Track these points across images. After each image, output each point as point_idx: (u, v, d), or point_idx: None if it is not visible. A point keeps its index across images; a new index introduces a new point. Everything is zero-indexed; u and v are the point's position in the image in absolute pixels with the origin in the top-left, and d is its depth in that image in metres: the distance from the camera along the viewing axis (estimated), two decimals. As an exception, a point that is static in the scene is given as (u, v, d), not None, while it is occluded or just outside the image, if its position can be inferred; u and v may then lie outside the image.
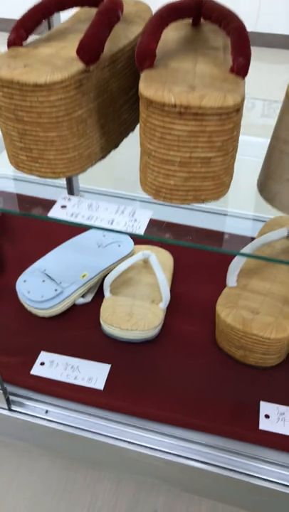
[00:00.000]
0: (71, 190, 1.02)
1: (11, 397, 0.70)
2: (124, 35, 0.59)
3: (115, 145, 0.63)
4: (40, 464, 0.83)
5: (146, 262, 0.87)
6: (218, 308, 0.71)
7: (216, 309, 0.71)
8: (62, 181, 1.01)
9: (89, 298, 0.84)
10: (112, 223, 0.52)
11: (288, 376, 0.72)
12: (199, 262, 0.92)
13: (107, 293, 0.80)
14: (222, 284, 0.78)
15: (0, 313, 0.82)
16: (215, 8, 0.56)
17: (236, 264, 0.74)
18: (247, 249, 0.71)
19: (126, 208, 0.54)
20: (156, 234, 0.56)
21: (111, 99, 0.58)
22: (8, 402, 0.69)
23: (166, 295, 0.79)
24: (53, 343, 0.77)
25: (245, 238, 0.72)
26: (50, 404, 0.70)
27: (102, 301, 0.81)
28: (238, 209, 0.71)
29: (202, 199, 0.52)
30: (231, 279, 0.74)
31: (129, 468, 0.73)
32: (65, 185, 1.02)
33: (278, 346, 0.68)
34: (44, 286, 0.80)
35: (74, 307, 0.83)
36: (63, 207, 0.55)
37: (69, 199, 0.55)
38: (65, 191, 1.03)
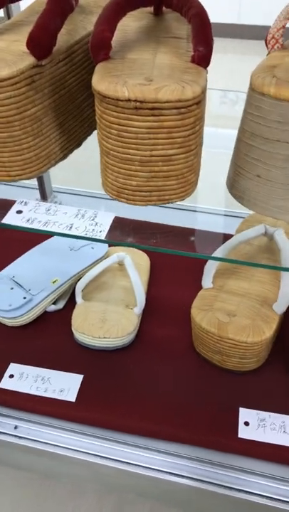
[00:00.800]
0: (43, 191, 0.98)
1: (-23, 413, 0.66)
2: (82, 26, 0.55)
3: (78, 143, 0.59)
4: (13, 482, 0.80)
5: (121, 265, 0.84)
6: (192, 312, 0.67)
7: (191, 313, 0.68)
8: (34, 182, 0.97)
9: (61, 305, 0.80)
10: (70, 229, 0.49)
11: (268, 380, 0.69)
12: (177, 263, 0.89)
13: (78, 299, 0.76)
14: (199, 286, 0.74)
15: None
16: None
17: (211, 265, 0.71)
18: (223, 247, 0.68)
19: (86, 212, 0.51)
20: (120, 238, 0.52)
21: (69, 96, 0.54)
22: (-26, 418, 0.65)
23: (140, 299, 0.75)
24: (23, 353, 0.74)
25: (218, 236, 0.69)
26: (20, 419, 0.67)
27: (73, 308, 0.77)
28: (210, 205, 0.68)
29: (166, 199, 0.48)
30: (207, 280, 0.71)
31: (107, 484, 0.70)
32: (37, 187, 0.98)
33: (256, 350, 0.65)
34: (12, 293, 0.76)
35: (45, 315, 0.79)
36: (19, 212, 0.51)
37: (25, 203, 0.52)
38: (37, 192, 0.99)
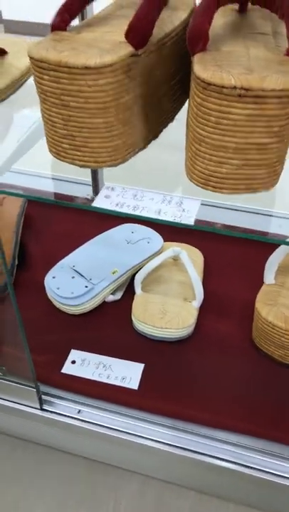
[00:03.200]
0: (96, 187, 1.00)
1: (43, 397, 0.67)
2: (170, 20, 0.57)
3: (155, 135, 0.61)
4: (61, 467, 0.81)
5: (175, 260, 0.85)
6: (258, 306, 0.68)
7: (255, 307, 0.69)
8: (87, 178, 0.99)
9: (119, 295, 0.82)
10: (159, 213, 0.50)
11: None
12: (228, 260, 0.90)
13: (138, 289, 0.78)
14: (253, 282, 0.76)
15: (27, 311, 0.80)
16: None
17: (274, 260, 0.72)
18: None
19: (173, 198, 0.52)
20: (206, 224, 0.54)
21: (155, 87, 0.56)
22: (41, 401, 0.67)
23: (199, 293, 0.77)
24: (83, 340, 0.75)
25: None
26: (83, 403, 0.68)
27: (131, 299, 0.79)
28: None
29: (254, 188, 0.50)
30: (269, 276, 0.72)
31: (157, 470, 0.71)
32: (90, 183, 1.00)
33: None
34: (74, 282, 0.78)
35: (103, 304, 0.80)
36: (107, 196, 0.53)
37: (112, 188, 0.53)
38: (90, 188, 1.01)
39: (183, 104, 0.63)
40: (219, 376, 0.71)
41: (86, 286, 0.77)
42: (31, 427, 0.72)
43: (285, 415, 0.66)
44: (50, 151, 0.55)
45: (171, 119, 0.64)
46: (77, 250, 0.84)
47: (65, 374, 0.70)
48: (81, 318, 0.78)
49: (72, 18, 0.54)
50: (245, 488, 0.68)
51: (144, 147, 0.59)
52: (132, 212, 0.50)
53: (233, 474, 0.64)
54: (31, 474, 0.76)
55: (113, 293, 0.81)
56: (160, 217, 0.50)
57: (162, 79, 0.57)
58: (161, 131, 0.62)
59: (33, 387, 0.65)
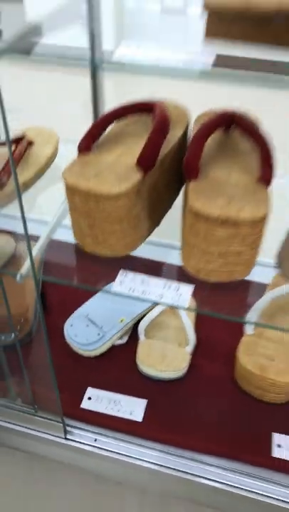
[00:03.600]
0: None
1: (67, 428, 0.83)
2: (168, 140, 0.72)
3: (158, 223, 0.76)
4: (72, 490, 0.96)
5: (172, 307, 1.01)
6: (238, 355, 0.85)
7: (236, 356, 0.85)
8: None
9: (125, 339, 0.98)
10: (162, 297, 0.66)
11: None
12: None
13: (142, 336, 0.94)
14: (238, 327, 0.92)
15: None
16: (244, 120, 0.70)
17: (253, 314, 0.88)
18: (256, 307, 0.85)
19: (172, 284, 0.68)
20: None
21: (158, 195, 0.71)
22: (65, 432, 0.82)
23: (192, 339, 0.93)
24: (97, 379, 0.91)
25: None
26: (98, 433, 0.84)
27: (135, 342, 0.94)
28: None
29: (234, 277, 0.65)
30: (248, 328, 0.88)
31: (156, 485, 0.88)
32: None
33: (289, 387, 0.82)
34: (88, 330, 0.94)
35: (112, 347, 0.96)
36: (122, 282, 0.68)
37: (125, 275, 0.69)
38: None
39: (178, 193, 0.79)
40: (208, 410, 0.87)
41: (98, 334, 0.93)
42: (55, 452, 0.88)
43: (261, 443, 0.82)
44: (76, 238, 0.70)
45: (169, 207, 0.80)
46: (90, 301, 1.00)
47: (84, 409, 0.86)
48: (94, 360, 0.94)
49: (95, 141, 0.70)
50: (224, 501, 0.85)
51: (149, 235, 0.75)
52: (142, 296, 0.66)
53: (216, 491, 0.80)
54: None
55: (120, 337, 0.97)
56: (162, 300, 0.66)
57: (164, 187, 0.72)
58: (162, 219, 0.78)
59: (60, 422, 0.81)
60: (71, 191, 0.63)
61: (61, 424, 0.81)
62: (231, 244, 0.60)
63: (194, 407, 0.88)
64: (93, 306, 0.99)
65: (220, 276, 0.65)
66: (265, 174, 0.63)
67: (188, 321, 0.94)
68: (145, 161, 0.64)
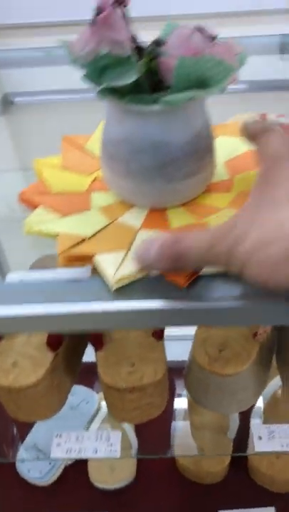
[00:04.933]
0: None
1: None
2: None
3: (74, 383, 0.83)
4: None
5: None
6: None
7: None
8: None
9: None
10: (96, 452, 0.75)
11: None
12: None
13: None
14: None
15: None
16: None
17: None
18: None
19: (103, 433, 0.77)
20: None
21: (73, 352, 0.79)
22: None
23: (134, 442, 1.02)
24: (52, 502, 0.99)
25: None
26: None
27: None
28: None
29: (151, 417, 0.75)
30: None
31: None
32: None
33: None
34: (40, 463, 1.00)
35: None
36: (58, 445, 0.76)
37: (60, 436, 0.77)
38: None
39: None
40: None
41: (50, 463, 1.00)
42: None
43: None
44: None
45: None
46: (35, 427, 1.05)
47: None
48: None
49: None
50: None
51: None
52: (79, 456, 0.74)
53: None
54: None
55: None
56: (97, 455, 0.75)
57: (76, 346, 0.80)
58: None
59: None
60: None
61: None
62: (141, 400, 0.70)
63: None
64: (38, 432, 1.04)
65: (140, 419, 0.75)
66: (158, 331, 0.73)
67: (128, 426, 1.03)
68: (54, 341, 0.72)
